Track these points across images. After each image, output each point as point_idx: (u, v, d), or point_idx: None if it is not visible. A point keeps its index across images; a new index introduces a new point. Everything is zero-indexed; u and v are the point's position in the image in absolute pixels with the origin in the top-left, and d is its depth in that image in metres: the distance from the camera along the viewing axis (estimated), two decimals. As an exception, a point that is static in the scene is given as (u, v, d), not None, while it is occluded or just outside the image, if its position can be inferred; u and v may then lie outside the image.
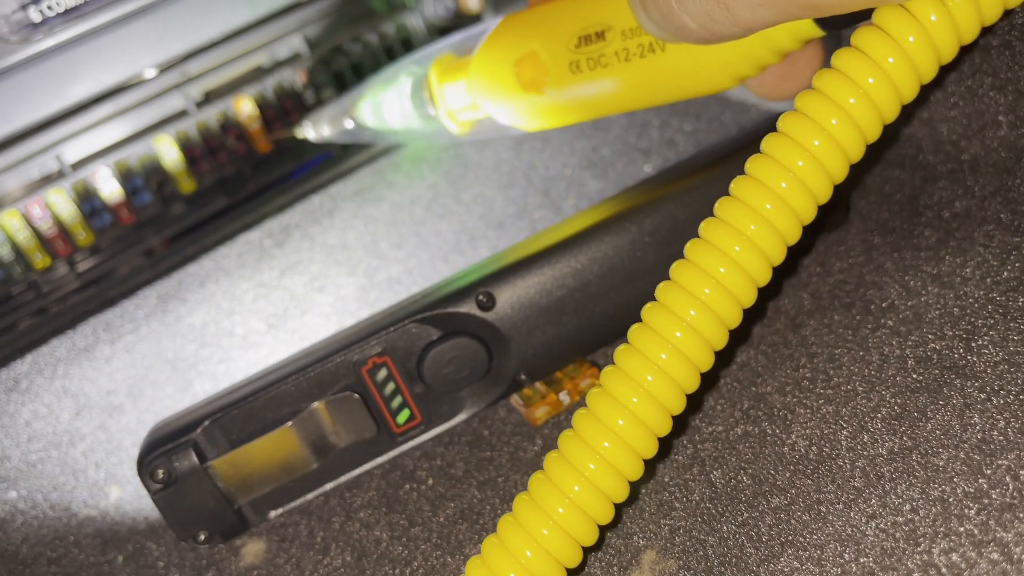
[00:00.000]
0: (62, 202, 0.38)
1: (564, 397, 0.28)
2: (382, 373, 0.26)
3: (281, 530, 0.27)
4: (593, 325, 0.28)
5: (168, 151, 0.39)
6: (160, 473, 0.25)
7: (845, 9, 0.19)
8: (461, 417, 0.27)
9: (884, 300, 0.26)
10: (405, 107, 0.31)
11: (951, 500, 0.19)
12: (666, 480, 0.24)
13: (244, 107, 0.40)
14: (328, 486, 0.27)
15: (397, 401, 0.27)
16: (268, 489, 0.26)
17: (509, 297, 0.27)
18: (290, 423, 0.26)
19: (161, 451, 0.25)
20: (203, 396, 0.31)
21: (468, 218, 0.35)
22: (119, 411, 0.31)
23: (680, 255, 0.28)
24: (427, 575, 0.24)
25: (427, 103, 0.30)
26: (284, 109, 0.42)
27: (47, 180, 0.38)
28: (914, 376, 0.23)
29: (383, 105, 0.32)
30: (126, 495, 0.29)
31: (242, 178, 0.41)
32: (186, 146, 0.40)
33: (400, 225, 0.36)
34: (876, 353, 0.24)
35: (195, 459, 0.25)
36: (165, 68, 0.38)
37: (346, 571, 0.25)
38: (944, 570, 0.18)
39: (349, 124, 0.34)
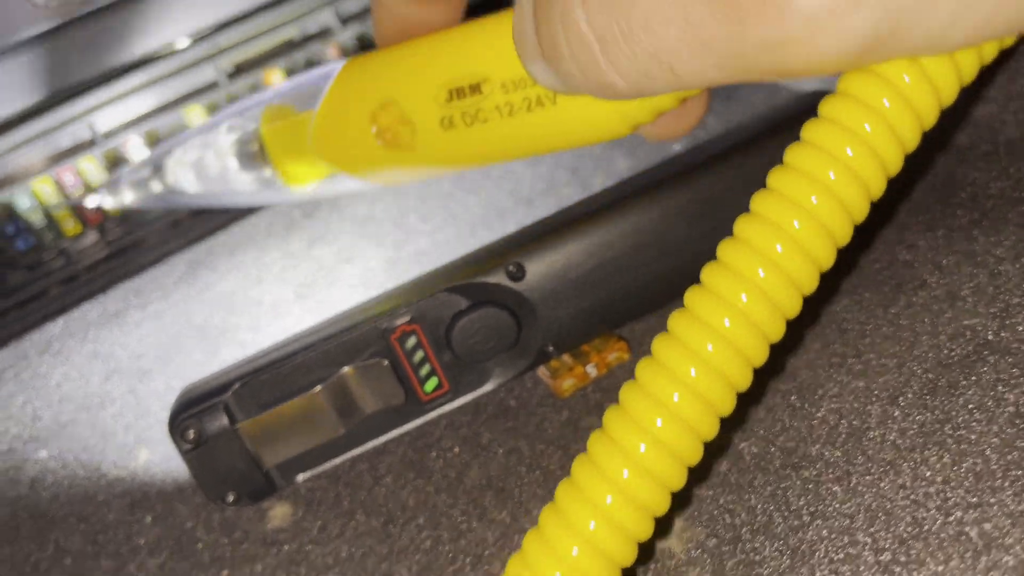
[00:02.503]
0: (93, 170, 0.38)
1: (591, 370, 0.28)
2: (411, 341, 0.27)
3: (308, 494, 0.27)
4: (622, 298, 0.28)
5: (198, 122, 0.39)
6: (191, 433, 0.26)
7: (811, 76, 0.16)
8: (488, 387, 0.28)
9: (916, 278, 0.26)
10: (228, 166, 0.27)
11: (983, 472, 0.19)
12: (694, 451, 0.24)
13: (274, 80, 0.41)
14: (355, 452, 0.27)
15: (425, 369, 0.27)
16: (296, 452, 0.27)
17: (539, 268, 0.27)
18: (319, 387, 0.26)
19: (192, 411, 0.26)
20: (231, 363, 0.31)
21: (496, 193, 0.35)
22: (148, 376, 0.32)
23: (712, 230, 0.28)
24: (453, 540, 0.24)
25: (256, 161, 0.27)
26: (313, 83, 0.42)
27: (79, 148, 0.38)
28: (946, 352, 0.23)
29: (201, 165, 0.28)
30: (155, 457, 0.30)
31: (270, 151, 0.41)
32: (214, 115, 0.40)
33: (428, 199, 0.36)
34: (908, 330, 0.24)
35: (225, 420, 0.26)
36: (198, 38, 0.39)
37: (372, 535, 0.25)
38: (976, 539, 0.18)
39: (157, 187, 0.29)
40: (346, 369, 0.26)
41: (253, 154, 0.26)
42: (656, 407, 0.18)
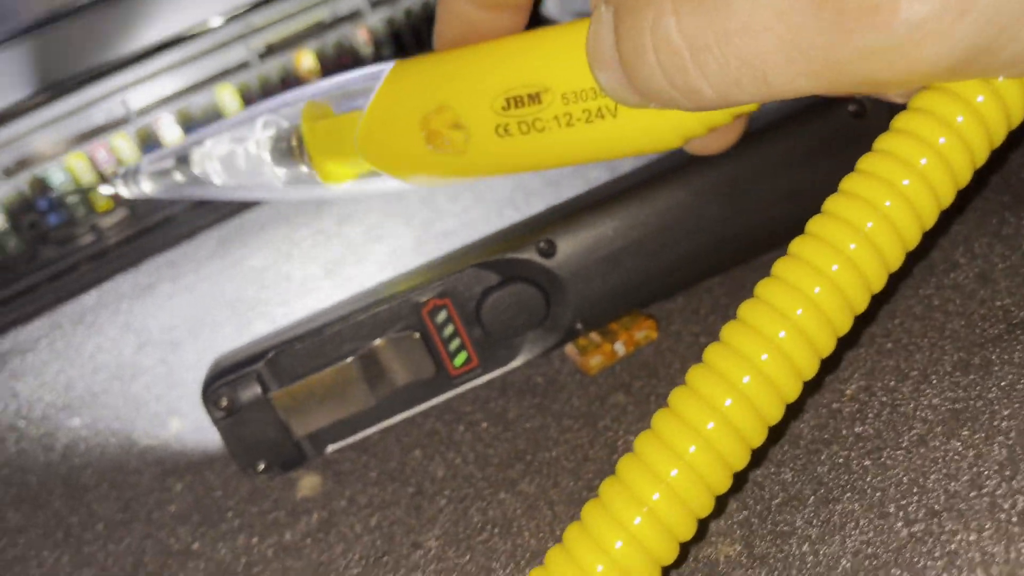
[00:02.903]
0: (126, 146, 0.38)
1: (619, 348, 0.28)
2: (442, 315, 0.27)
3: (336, 465, 0.28)
4: (651, 277, 0.28)
5: (229, 101, 0.40)
6: (224, 401, 0.26)
7: (899, 89, 0.17)
8: (516, 363, 0.28)
9: (948, 259, 0.26)
10: (262, 160, 0.27)
11: (1017, 447, 0.19)
12: (723, 426, 0.24)
13: (305, 61, 0.41)
14: (384, 424, 0.28)
15: (455, 344, 0.27)
16: (326, 423, 0.27)
17: (569, 245, 0.27)
18: (351, 358, 0.26)
19: (226, 380, 0.26)
20: (261, 335, 0.32)
21: (524, 175, 0.35)
22: (179, 347, 0.32)
23: (741, 210, 0.28)
24: (481, 511, 0.25)
25: (293, 158, 0.27)
26: (342, 65, 0.42)
27: (112, 124, 0.38)
28: (978, 331, 0.23)
29: (232, 157, 0.28)
30: (186, 427, 0.30)
31: (299, 132, 0.41)
32: (247, 97, 0.40)
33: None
34: (939, 311, 0.24)
35: (258, 389, 0.26)
36: (231, 18, 0.39)
37: (400, 506, 0.26)
38: (1009, 510, 0.18)
39: (179, 178, 0.29)
40: (378, 341, 0.27)
41: (290, 150, 0.26)
42: (725, 391, 0.19)
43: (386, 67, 0.24)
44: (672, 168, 0.28)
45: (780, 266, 0.19)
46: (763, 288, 0.19)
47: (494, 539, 0.24)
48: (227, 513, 0.27)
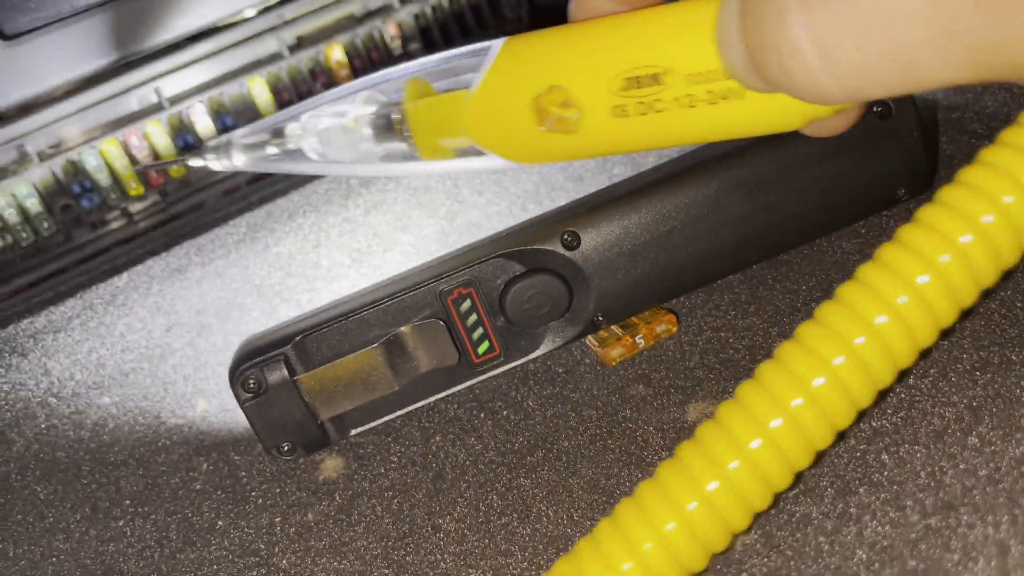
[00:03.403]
0: (158, 134, 0.39)
1: (639, 340, 0.28)
2: (466, 304, 0.27)
3: (359, 448, 0.28)
4: (674, 272, 0.28)
5: (260, 92, 0.41)
6: (251, 383, 0.26)
7: None
8: (538, 352, 0.28)
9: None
10: (362, 135, 0.27)
11: (1035, 444, 0.20)
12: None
13: (334, 54, 0.42)
14: (407, 409, 0.28)
15: (478, 332, 0.28)
16: (351, 407, 0.27)
17: (593, 238, 0.27)
18: (376, 344, 0.27)
19: (253, 363, 0.26)
20: (288, 320, 0.32)
21: (549, 169, 0.36)
22: (207, 330, 0.33)
23: (765, 207, 0.28)
24: (501, 495, 0.25)
25: (394, 134, 0.26)
26: (371, 60, 0.43)
27: (145, 112, 0.39)
28: (999, 332, 0.23)
29: (330, 132, 0.27)
30: (212, 408, 0.31)
31: (327, 123, 0.42)
32: (276, 88, 0.41)
33: (481, 172, 0.37)
34: (960, 309, 0.24)
35: (285, 372, 0.26)
36: (263, 9, 0.40)
37: (421, 489, 0.26)
38: (1026, 505, 0.18)
39: (273, 151, 0.29)
40: (403, 328, 0.27)
41: (391, 127, 0.26)
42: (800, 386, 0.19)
43: (495, 44, 0.24)
44: (697, 164, 0.28)
45: (870, 272, 0.19)
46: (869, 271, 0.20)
47: (513, 523, 0.24)
48: (251, 493, 0.28)
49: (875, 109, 0.27)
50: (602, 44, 0.22)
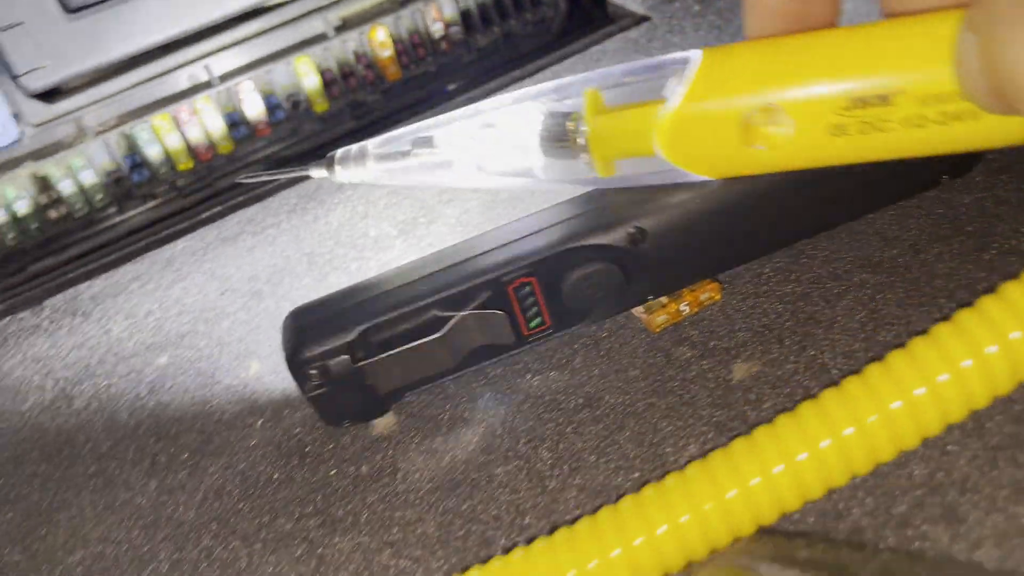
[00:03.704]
0: (208, 110, 0.40)
1: (684, 308, 0.29)
2: (526, 290, 0.28)
3: (410, 407, 0.29)
4: (726, 252, 0.29)
5: (306, 72, 0.42)
6: (316, 375, 0.27)
7: None
8: (585, 324, 0.29)
9: (1008, 228, 0.27)
10: (529, 147, 0.25)
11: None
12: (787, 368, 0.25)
13: (378, 36, 0.43)
14: (457, 375, 0.29)
15: (533, 311, 0.28)
16: (409, 382, 0.28)
17: (658, 232, 0.27)
18: (440, 334, 0.27)
19: (316, 353, 0.27)
20: (336, 288, 0.33)
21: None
22: (260, 295, 0.34)
23: (814, 196, 0.29)
24: (551, 448, 0.26)
25: (567, 147, 0.25)
26: (412, 43, 0.44)
27: (196, 88, 0.40)
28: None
29: (490, 142, 0.26)
30: (264, 369, 0.32)
31: (370, 103, 0.43)
32: (322, 69, 0.42)
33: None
34: (998, 273, 0.25)
35: (349, 363, 0.27)
36: (311, -10, 0.41)
37: (472, 445, 0.27)
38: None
39: (417, 162, 0.27)
40: (464, 313, 0.28)
41: (564, 140, 0.24)
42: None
43: (691, 58, 0.22)
44: None
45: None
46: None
47: (564, 474, 0.25)
48: (305, 448, 0.29)
49: None
50: (827, 63, 0.21)
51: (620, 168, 0.25)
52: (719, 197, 0.27)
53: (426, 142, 0.27)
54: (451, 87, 0.43)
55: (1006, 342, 0.20)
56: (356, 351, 0.27)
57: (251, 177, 0.28)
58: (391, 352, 0.27)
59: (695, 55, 0.22)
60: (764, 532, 0.22)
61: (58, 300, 0.35)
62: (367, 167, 0.27)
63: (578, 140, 0.24)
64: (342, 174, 0.27)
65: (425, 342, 0.27)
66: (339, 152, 0.27)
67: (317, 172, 0.28)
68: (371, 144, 0.27)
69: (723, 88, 0.22)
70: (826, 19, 0.23)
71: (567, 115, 0.24)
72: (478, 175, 0.27)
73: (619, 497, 0.23)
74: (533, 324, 0.28)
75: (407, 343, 0.27)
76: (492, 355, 0.29)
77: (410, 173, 0.27)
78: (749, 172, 0.23)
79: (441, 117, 0.27)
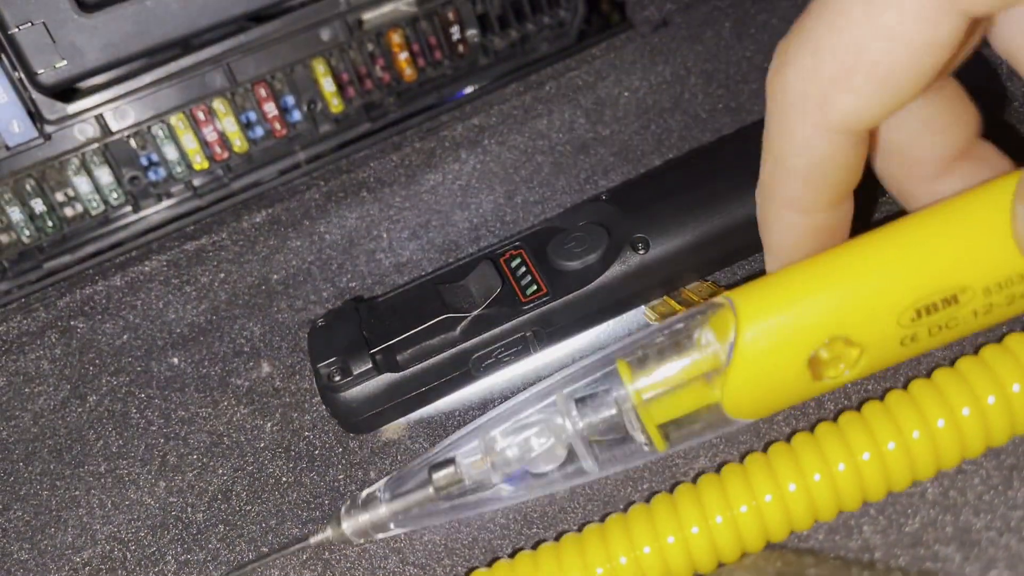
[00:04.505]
0: (224, 109, 0.40)
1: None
2: (516, 261, 0.29)
3: (418, 411, 0.29)
4: (725, 252, 0.29)
5: (322, 73, 0.42)
6: (337, 380, 0.28)
7: None
8: (584, 290, 0.28)
9: None
10: (578, 441, 0.23)
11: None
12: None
13: (394, 38, 0.43)
14: (463, 346, 0.28)
15: (527, 279, 0.29)
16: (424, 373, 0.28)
17: (661, 242, 0.28)
18: (459, 347, 0.28)
19: (337, 366, 0.28)
20: (348, 292, 0.33)
21: (604, 152, 0.36)
22: (273, 296, 0.34)
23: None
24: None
25: (618, 430, 0.23)
26: (429, 44, 0.44)
27: (212, 88, 0.40)
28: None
29: (525, 449, 0.23)
30: (276, 371, 0.32)
31: (385, 105, 0.43)
32: (337, 70, 0.42)
33: (538, 154, 0.37)
34: None
35: (373, 379, 0.28)
36: (328, -8, 0.41)
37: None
38: None
39: (444, 494, 0.24)
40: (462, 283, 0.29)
41: (613, 424, 0.22)
42: None
43: (723, 305, 0.21)
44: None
45: None
46: None
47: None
48: (314, 451, 0.29)
49: None
50: (883, 281, 0.20)
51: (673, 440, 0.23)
52: (721, 209, 0.28)
53: (442, 466, 0.23)
54: (468, 90, 0.43)
55: None
56: (379, 365, 0.28)
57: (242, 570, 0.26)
58: (418, 367, 0.28)
59: (722, 304, 0.21)
60: (773, 548, 0.22)
61: (73, 298, 0.36)
62: (380, 512, 0.24)
63: (628, 422, 0.22)
64: (351, 530, 0.24)
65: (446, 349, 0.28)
66: (343, 506, 0.25)
67: (320, 537, 0.25)
68: (380, 486, 0.24)
69: (777, 335, 0.20)
70: (847, 218, 0.23)
71: (605, 400, 0.22)
72: (518, 490, 0.24)
73: (627, 507, 0.23)
74: (530, 291, 0.28)
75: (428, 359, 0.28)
76: (496, 324, 0.28)
77: (435, 509, 0.24)
78: (820, 392, 0.22)
79: (454, 436, 0.24)
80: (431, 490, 0.24)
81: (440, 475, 0.23)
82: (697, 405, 0.22)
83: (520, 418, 0.23)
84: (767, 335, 0.21)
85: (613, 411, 0.22)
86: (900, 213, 0.23)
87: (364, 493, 0.24)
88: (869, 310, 0.20)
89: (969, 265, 0.20)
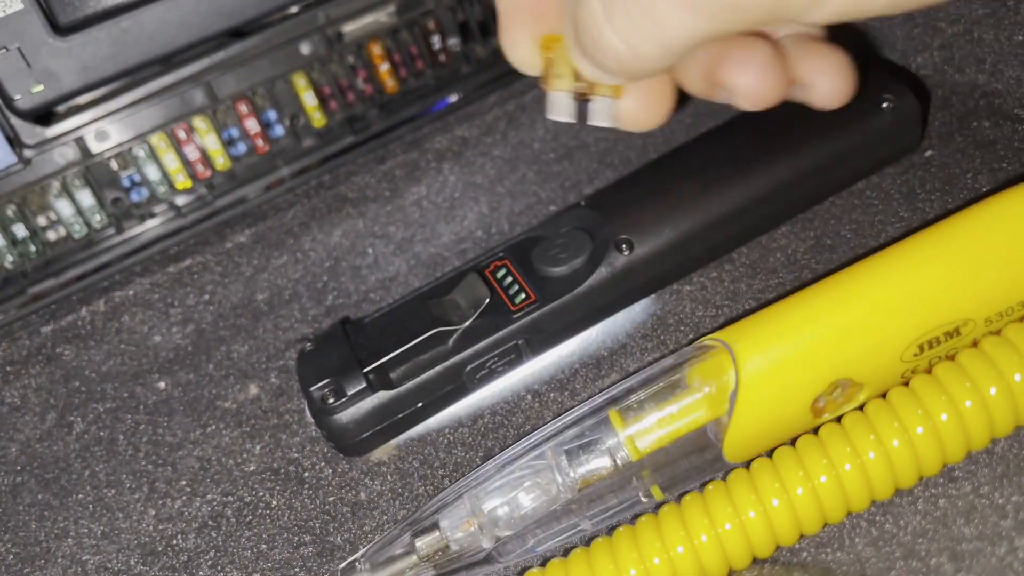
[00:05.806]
0: (205, 127, 0.40)
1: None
2: (502, 271, 0.29)
3: (407, 432, 0.29)
4: (709, 248, 0.30)
5: (303, 87, 0.41)
6: (337, 414, 0.27)
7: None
8: (573, 294, 0.28)
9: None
10: (575, 489, 0.22)
11: None
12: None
13: (375, 49, 0.42)
14: (453, 360, 0.28)
15: (515, 288, 0.29)
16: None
17: (646, 241, 0.29)
18: (454, 359, 0.28)
19: (330, 387, 0.28)
20: (334, 309, 0.33)
21: (589, 159, 0.36)
22: (260, 317, 0.34)
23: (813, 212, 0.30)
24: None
25: (624, 477, 0.22)
26: (411, 54, 0.43)
27: (192, 107, 0.40)
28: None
29: (515, 505, 0.22)
30: (264, 393, 0.31)
31: (368, 118, 0.43)
32: (318, 83, 0.42)
33: (522, 163, 0.37)
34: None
35: (369, 393, 0.27)
36: (306, 6, 0.40)
37: (472, 466, 0.27)
38: None
39: (442, 557, 0.23)
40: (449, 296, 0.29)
41: (606, 476, 0.22)
42: None
43: (718, 351, 0.21)
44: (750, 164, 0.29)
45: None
46: None
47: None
48: (304, 474, 0.29)
49: (883, 106, 0.29)
50: (884, 321, 0.20)
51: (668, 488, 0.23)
52: (705, 210, 0.29)
53: (432, 528, 0.22)
54: (451, 99, 0.43)
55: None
56: (372, 383, 0.27)
57: None
58: (411, 383, 0.27)
59: (718, 345, 0.21)
60: (761, 563, 0.22)
61: (57, 324, 0.35)
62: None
63: (640, 478, 0.22)
64: None
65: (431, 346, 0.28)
66: (369, 553, 0.23)
67: None
68: (360, 556, 0.23)
69: (780, 384, 0.20)
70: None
71: (607, 447, 0.22)
72: (540, 540, 0.23)
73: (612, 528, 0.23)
74: (518, 300, 0.28)
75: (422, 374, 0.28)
76: (486, 334, 0.28)
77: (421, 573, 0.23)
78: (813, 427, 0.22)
79: (439, 497, 0.23)
80: (415, 558, 0.23)
81: (424, 541, 0.22)
82: (696, 455, 0.22)
83: (503, 477, 0.23)
84: (771, 384, 0.20)
85: (606, 461, 0.22)
86: (897, 238, 0.22)
87: (343, 565, 0.23)
88: (873, 351, 0.20)
89: (972, 299, 0.20)
